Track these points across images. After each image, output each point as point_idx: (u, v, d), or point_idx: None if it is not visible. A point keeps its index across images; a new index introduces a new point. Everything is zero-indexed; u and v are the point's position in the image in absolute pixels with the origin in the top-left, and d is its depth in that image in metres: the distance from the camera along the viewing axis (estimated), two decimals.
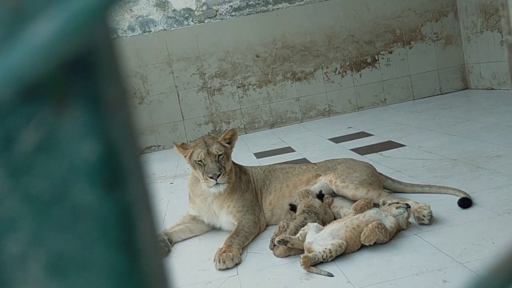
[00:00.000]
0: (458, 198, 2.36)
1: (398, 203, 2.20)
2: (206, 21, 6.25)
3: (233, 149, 2.62)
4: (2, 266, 0.25)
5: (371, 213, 2.11)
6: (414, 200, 2.34)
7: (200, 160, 2.47)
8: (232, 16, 6.26)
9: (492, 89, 6.03)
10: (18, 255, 0.25)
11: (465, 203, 2.31)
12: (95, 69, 0.24)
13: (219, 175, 2.43)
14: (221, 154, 2.48)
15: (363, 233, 1.99)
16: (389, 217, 2.11)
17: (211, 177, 2.43)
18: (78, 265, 0.25)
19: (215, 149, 2.48)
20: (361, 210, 2.14)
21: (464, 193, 2.39)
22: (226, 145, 2.55)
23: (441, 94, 6.57)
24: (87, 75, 0.24)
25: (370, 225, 2.01)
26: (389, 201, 2.25)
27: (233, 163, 2.67)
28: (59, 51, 0.22)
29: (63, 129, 0.24)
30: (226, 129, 6.45)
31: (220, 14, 6.25)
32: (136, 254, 0.25)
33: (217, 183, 2.45)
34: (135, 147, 0.26)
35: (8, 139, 0.24)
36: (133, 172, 0.26)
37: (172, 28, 6.21)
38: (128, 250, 0.25)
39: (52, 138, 0.24)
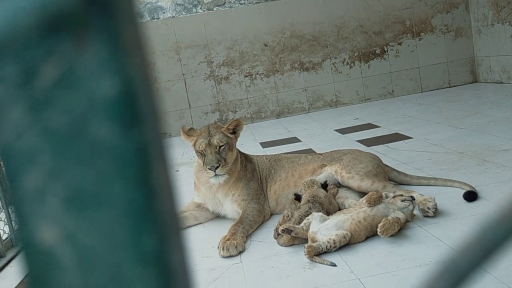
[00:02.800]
0: (463, 191, 2.35)
1: (402, 195, 2.19)
2: (214, 8, 6.22)
3: (239, 139, 2.62)
4: (21, 199, 0.26)
5: (379, 207, 2.10)
6: (419, 192, 2.34)
7: (202, 150, 2.48)
8: (241, 4, 6.23)
9: (502, 82, 5.98)
10: (37, 189, 0.25)
11: (471, 196, 2.30)
12: (115, 9, 0.25)
13: (217, 167, 2.43)
14: (222, 145, 2.47)
15: (382, 224, 1.97)
16: (396, 211, 2.10)
17: (209, 169, 2.44)
18: (95, 200, 0.25)
19: (216, 140, 2.48)
20: (374, 203, 2.11)
21: (470, 186, 2.38)
22: (230, 135, 2.53)
23: (450, 87, 6.52)
24: (107, 13, 0.24)
25: (390, 219, 2.00)
26: (391, 194, 2.25)
27: (239, 152, 2.67)
28: None
29: (83, 65, 0.24)
30: (233, 118, 6.44)
31: (228, 2, 6.22)
32: (152, 192, 0.26)
33: (216, 175, 2.45)
34: (151, 89, 0.27)
35: (29, 72, 0.24)
36: (150, 112, 0.26)
37: (181, 16, 6.19)
38: (145, 188, 0.25)
39: (72, 74, 0.24)
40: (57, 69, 0.24)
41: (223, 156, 2.47)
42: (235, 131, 2.56)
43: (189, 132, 2.58)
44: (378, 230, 1.97)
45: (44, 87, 0.25)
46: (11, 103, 0.25)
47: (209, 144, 2.46)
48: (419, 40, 6.45)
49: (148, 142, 0.26)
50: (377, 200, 2.11)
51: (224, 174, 2.47)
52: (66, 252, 0.26)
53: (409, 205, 2.13)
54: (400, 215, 2.08)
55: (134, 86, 0.25)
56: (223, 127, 2.55)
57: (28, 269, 0.26)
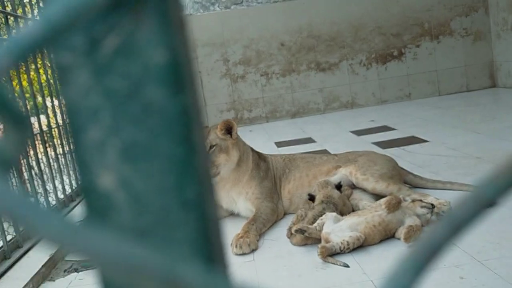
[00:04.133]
0: None
1: (421, 201, 2.17)
2: (232, 7, 6.24)
3: (237, 140, 2.57)
4: (84, 150, 0.30)
5: (395, 212, 2.09)
6: (434, 196, 2.32)
7: None
8: (259, 3, 6.24)
9: None
10: (98, 142, 0.30)
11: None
12: None
13: None
14: (212, 146, 2.48)
15: (406, 231, 1.95)
16: (413, 216, 2.08)
17: None
18: (147, 153, 0.29)
19: (207, 141, 2.49)
20: (394, 209, 2.08)
21: None
22: (223, 137, 2.51)
23: (468, 91, 6.46)
24: None
25: (414, 226, 1.98)
26: (408, 198, 2.23)
27: (253, 150, 2.68)
28: None
29: (139, 37, 0.29)
30: (248, 117, 6.43)
31: (246, 1, 6.23)
32: (193, 148, 0.30)
33: None
34: (192, 61, 0.31)
35: (94, 42, 0.29)
36: (191, 80, 0.30)
37: (198, 13, 6.22)
38: (187, 144, 0.30)
39: (129, 44, 0.29)
40: (117, 40, 0.29)
41: (211, 158, 2.47)
42: (230, 132, 2.54)
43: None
44: (403, 237, 1.96)
45: (106, 55, 0.29)
46: (79, 68, 0.29)
47: None
48: (438, 43, 6.39)
49: (190, 105, 0.30)
50: (396, 205, 2.08)
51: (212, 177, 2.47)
52: (121, 196, 0.30)
53: (427, 213, 2.11)
54: (417, 220, 2.06)
55: (179, 57, 0.29)
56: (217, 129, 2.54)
57: (88, 210, 0.31)
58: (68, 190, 3.27)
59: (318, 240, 2.09)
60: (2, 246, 2.31)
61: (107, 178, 0.30)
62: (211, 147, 2.48)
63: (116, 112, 0.29)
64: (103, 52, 0.29)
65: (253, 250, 2.19)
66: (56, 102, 3.20)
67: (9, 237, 2.46)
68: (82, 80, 0.29)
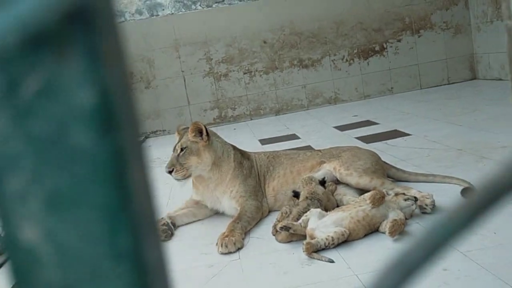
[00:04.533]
0: (461, 188, 2.36)
1: (405, 194, 2.19)
2: (214, 5, 6.21)
3: (210, 141, 2.57)
4: (4, 201, 0.28)
5: (379, 206, 2.10)
6: (417, 189, 2.35)
7: None
8: (241, 1, 6.22)
9: (500, 79, 5.97)
10: (19, 191, 0.28)
11: (469, 193, 2.30)
12: (93, 22, 0.26)
13: (170, 171, 2.48)
14: (183, 149, 2.51)
15: (391, 225, 1.97)
16: (396, 210, 2.10)
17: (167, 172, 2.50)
18: (74, 202, 0.27)
19: (178, 144, 2.54)
20: (379, 204, 2.09)
21: (468, 183, 2.39)
22: (195, 139, 2.53)
23: (449, 84, 6.52)
24: (86, 27, 0.26)
25: (398, 220, 2.00)
26: (392, 192, 2.25)
27: (235, 148, 2.68)
28: (61, 2, 0.25)
29: (63, 76, 0.26)
30: (232, 115, 6.42)
31: None
32: (127, 192, 0.28)
33: (176, 178, 2.51)
34: (129, 97, 0.29)
35: (13, 84, 0.27)
36: (126, 119, 0.28)
37: (180, 12, 6.19)
38: (120, 189, 0.27)
39: (52, 85, 0.27)
40: (39, 81, 0.26)
41: (180, 161, 2.48)
42: (201, 135, 2.55)
43: (180, 132, 2.64)
44: (387, 231, 1.97)
45: (27, 97, 0.27)
46: None
47: (174, 147, 2.52)
48: (419, 37, 6.45)
49: (123, 146, 0.27)
50: (381, 200, 2.10)
51: (181, 179, 2.50)
52: (46, 250, 0.28)
53: (411, 205, 2.13)
54: (400, 214, 2.08)
55: (110, 95, 0.27)
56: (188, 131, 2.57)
57: (12, 266, 0.28)
58: None
59: (303, 237, 2.10)
60: None
61: (30, 230, 0.28)
62: (182, 149, 2.51)
63: (38, 159, 0.27)
64: (23, 94, 0.27)
65: (238, 249, 2.19)
66: None
67: None
68: (0, 125, 0.27)
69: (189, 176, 2.54)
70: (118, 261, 0.28)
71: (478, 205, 0.30)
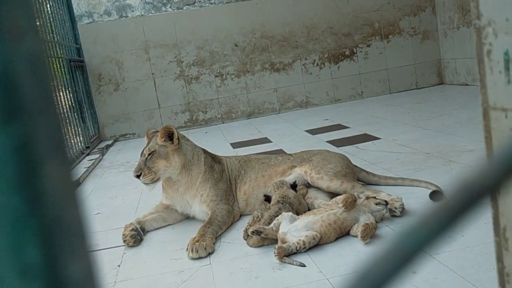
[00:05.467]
0: (429, 191, 2.39)
1: (375, 198, 2.20)
2: (184, 8, 6.17)
3: (180, 145, 2.54)
4: None
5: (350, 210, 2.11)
6: (386, 192, 2.37)
7: None
8: (211, 3, 6.20)
9: (467, 84, 6.13)
10: None
11: (437, 196, 2.34)
12: None
13: (138, 175, 2.45)
14: (151, 153, 2.48)
15: (362, 230, 1.98)
16: (367, 213, 2.11)
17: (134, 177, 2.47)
18: None
19: (146, 148, 2.51)
20: (351, 207, 2.09)
21: (436, 186, 2.43)
22: (163, 143, 2.51)
23: (417, 88, 6.65)
24: None
25: (370, 224, 2.01)
26: (363, 196, 2.26)
27: (205, 152, 2.66)
28: None
29: None
30: (203, 119, 6.38)
31: (199, 1, 6.18)
32: (36, 195, 0.23)
33: (144, 182, 2.48)
34: (41, 79, 0.23)
35: None
36: (36, 105, 0.23)
37: (150, 14, 6.12)
38: (27, 190, 0.23)
39: None
40: None
41: (148, 165, 2.46)
42: (171, 138, 2.52)
43: (150, 135, 2.60)
44: (359, 235, 1.98)
45: None
46: None
47: (142, 151, 2.48)
48: (387, 42, 6.55)
49: (31, 138, 0.23)
50: (353, 204, 2.11)
51: (149, 183, 2.46)
52: None
53: (382, 209, 2.15)
54: (371, 218, 2.09)
55: (15, 77, 0.22)
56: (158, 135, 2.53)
57: None
58: None
59: (274, 241, 2.08)
60: None
61: None
62: (150, 154, 2.47)
63: None
64: None
65: (209, 254, 2.16)
66: None
67: None
68: None
69: (158, 180, 2.50)
70: (24, 278, 0.23)
71: (451, 212, 0.29)
